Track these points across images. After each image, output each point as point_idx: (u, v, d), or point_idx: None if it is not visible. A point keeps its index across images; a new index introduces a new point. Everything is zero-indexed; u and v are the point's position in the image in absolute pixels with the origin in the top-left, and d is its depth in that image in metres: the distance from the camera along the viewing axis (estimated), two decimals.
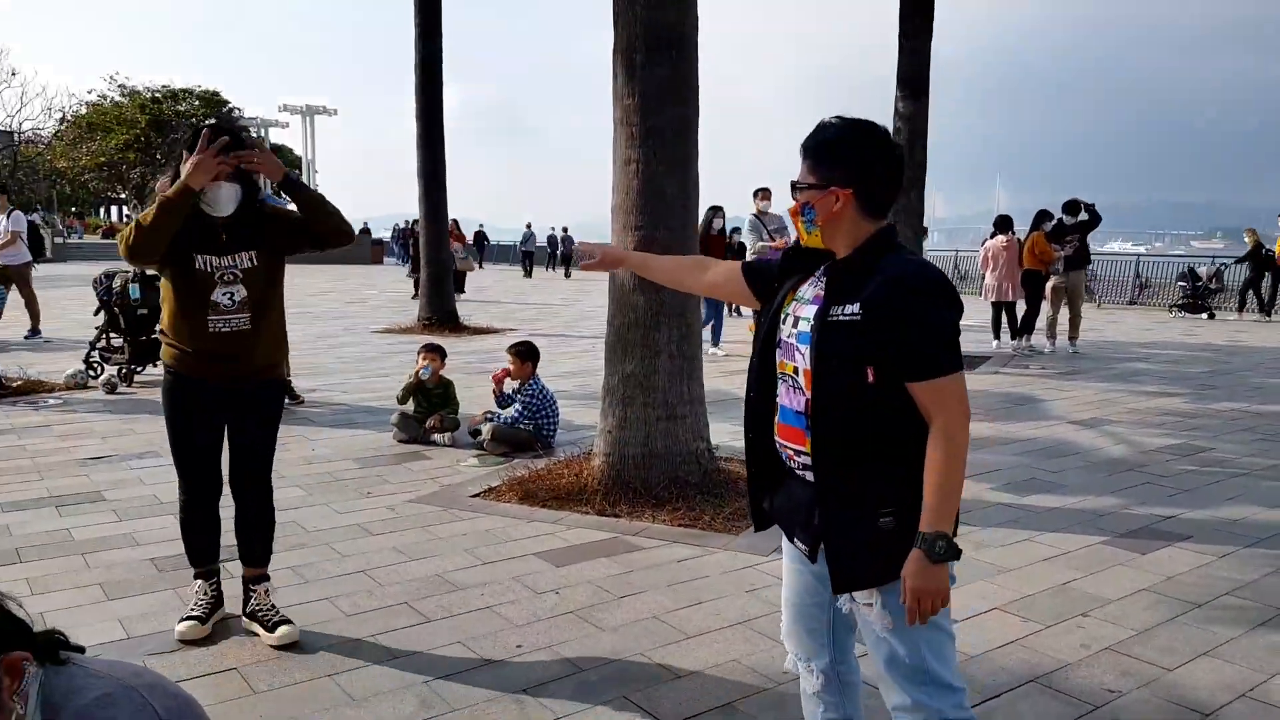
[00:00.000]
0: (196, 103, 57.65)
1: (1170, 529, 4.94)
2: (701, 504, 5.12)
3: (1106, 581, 4.19)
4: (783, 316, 2.15)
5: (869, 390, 1.94)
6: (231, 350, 3.38)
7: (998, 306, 12.60)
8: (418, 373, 6.83)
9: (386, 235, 43.18)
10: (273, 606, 3.58)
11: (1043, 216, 12.33)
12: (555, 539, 4.66)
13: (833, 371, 1.97)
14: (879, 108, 11.17)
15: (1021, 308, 12.51)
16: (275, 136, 62.01)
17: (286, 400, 7.96)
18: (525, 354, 6.71)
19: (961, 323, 2.02)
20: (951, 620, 2.06)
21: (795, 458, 2.10)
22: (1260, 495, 5.59)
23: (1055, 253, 12.03)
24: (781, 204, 11.32)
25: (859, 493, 1.99)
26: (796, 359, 2.07)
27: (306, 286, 21.33)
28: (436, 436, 6.66)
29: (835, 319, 1.97)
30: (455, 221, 21.04)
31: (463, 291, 20.37)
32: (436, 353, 6.97)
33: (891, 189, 2.06)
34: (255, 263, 3.42)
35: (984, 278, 12.88)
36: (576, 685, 3.19)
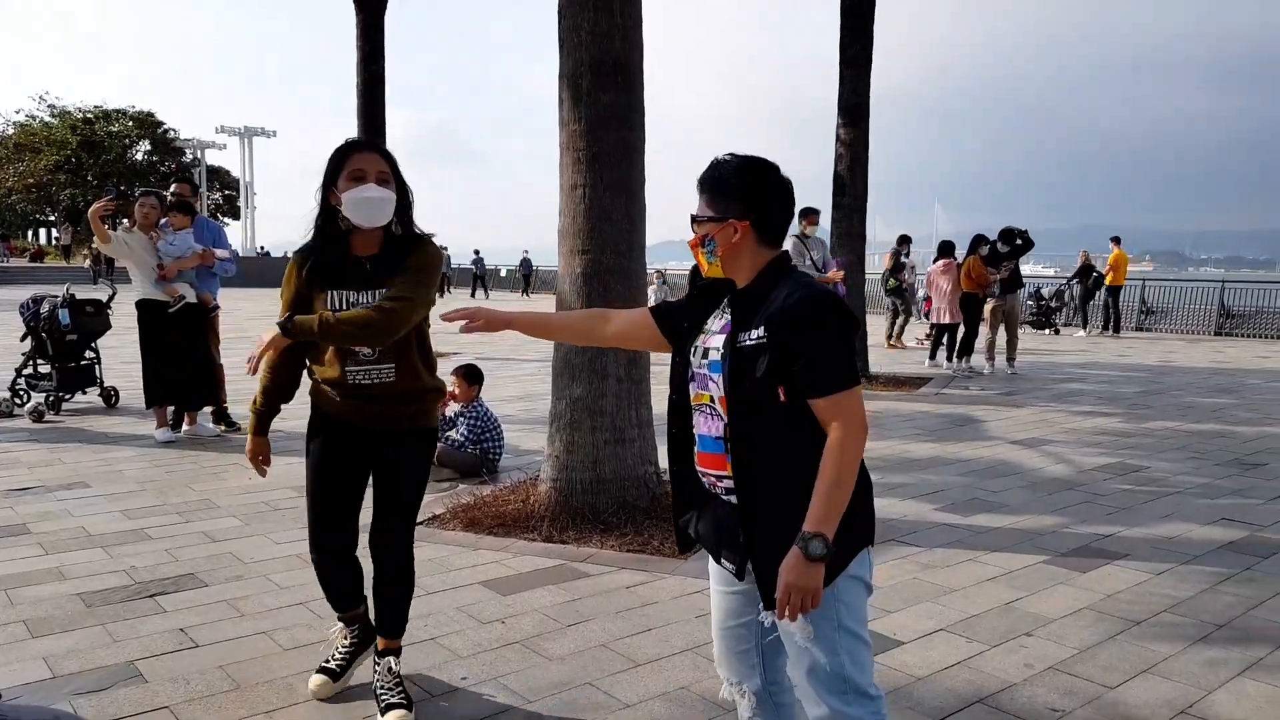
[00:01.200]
0: (130, 123, 56.66)
1: (1109, 547, 5.03)
2: (650, 529, 5.08)
3: (1048, 600, 4.24)
4: (692, 350, 2.24)
5: (782, 409, 2.04)
6: (374, 402, 3.03)
7: (940, 329, 12.92)
8: None
9: None
10: (392, 686, 3.13)
11: (979, 241, 12.60)
12: (501, 567, 4.59)
13: (747, 395, 2.07)
14: (825, 133, 11.29)
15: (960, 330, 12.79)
16: (213, 158, 61.09)
17: (222, 427, 7.82)
18: (470, 376, 6.64)
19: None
20: (869, 630, 2.16)
21: (718, 483, 2.19)
22: (1193, 512, 5.72)
23: (990, 276, 12.31)
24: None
25: (781, 510, 2.05)
26: (711, 388, 2.16)
27: (245, 310, 20.93)
28: None
29: (743, 345, 2.08)
30: None
31: None
32: None
33: (784, 219, 2.19)
34: None
35: (930, 300, 13.26)
36: (524, 718, 3.13)
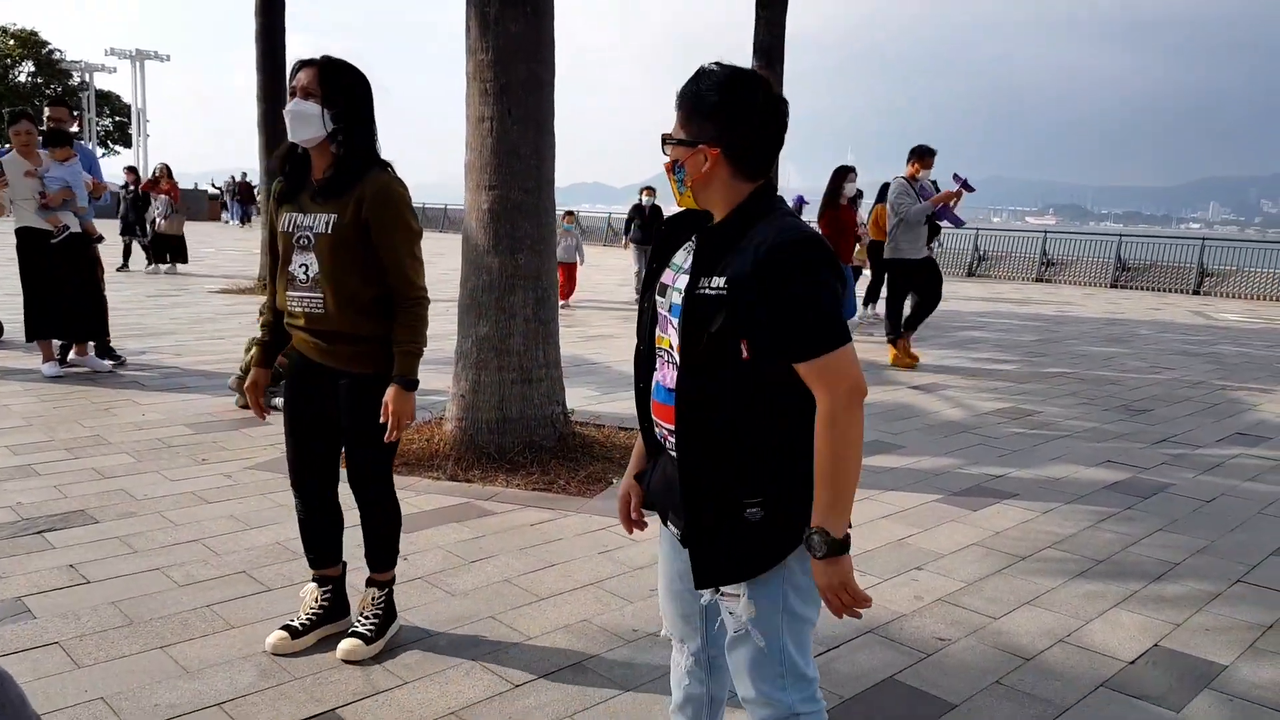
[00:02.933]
0: (11, 42, 53.32)
1: (999, 487, 5.22)
2: (556, 468, 5.09)
3: (940, 537, 4.40)
4: (658, 288, 1.99)
5: (742, 366, 1.80)
6: (315, 336, 2.94)
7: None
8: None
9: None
10: (369, 615, 3.11)
11: (887, 189, 12.75)
12: (405, 505, 4.49)
13: (701, 347, 1.82)
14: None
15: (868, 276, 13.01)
16: (102, 82, 58.00)
17: (109, 364, 7.50)
18: None
19: None
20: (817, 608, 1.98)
21: (669, 437, 1.94)
22: (1080, 455, 5.98)
23: None
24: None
25: (726, 479, 1.86)
26: (670, 333, 1.92)
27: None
28: (278, 401, 6.37)
29: (702, 292, 1.82)
30: (166, 167, 16.94)
31: (182, 260, 16.40)
32: None
33: (768, 148, 1.88)
34: (329, 230, 2.83)
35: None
36: (425, 650, 3.13)
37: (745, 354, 1.80)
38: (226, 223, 36.28)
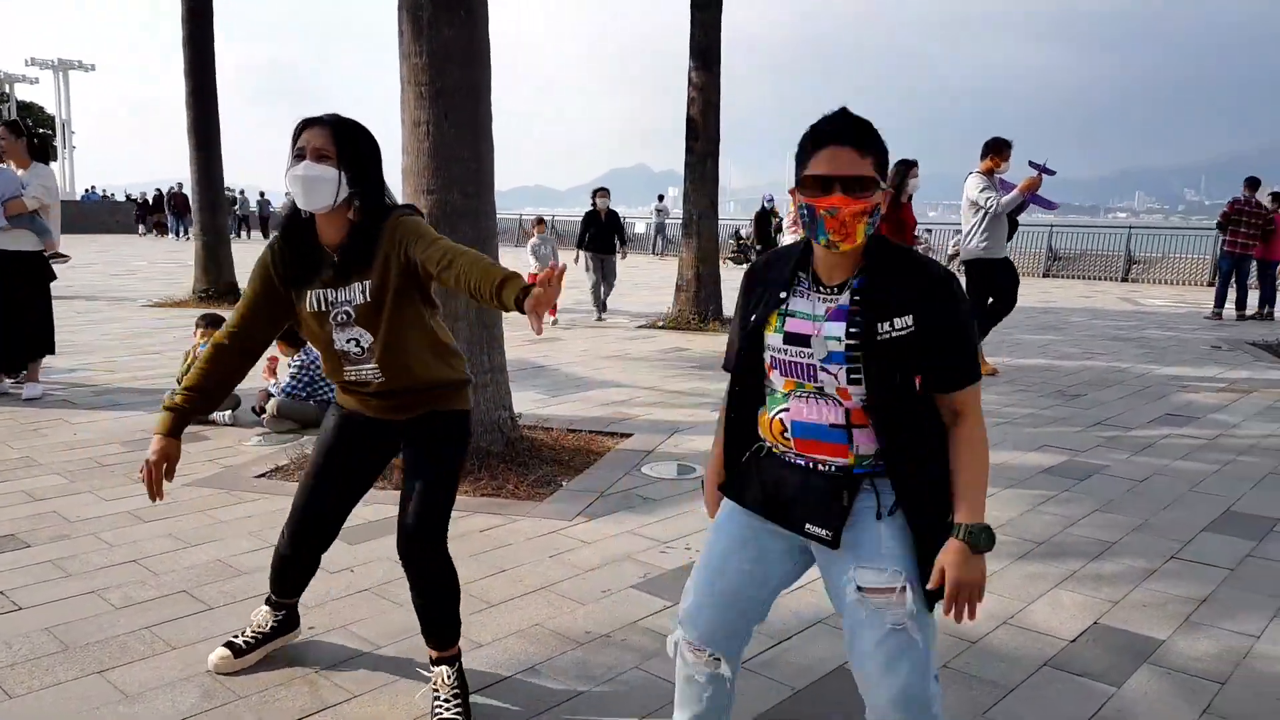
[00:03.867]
0: None
1: None
2: (505, 473, 5.06)
3: None
4: (792, 337, 1.96)
5: (920, 400, 1.91)
6: (378, 397, 2.79)
7: None
8: (195, 349, 6.38)
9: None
10: (449, 698, 2.77)
11: None
12: (350, 516, 4.47)
13: (890, 386, 1.87)
14: (678, 79, 11.23)
15: None
16: (23, 94, 56.47)
17: (7, 382, 7.14)
18: (214, 324, 6.47)
19: None
20: None
21: (822, 467, 1.97)
22: (1018, 440, 6.10)
23: None
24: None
25: (933, 496, 1.93)
26: (822, 378, 1.92)
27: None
28: (216, 415, 6.25)
29: (887, 336, 1.85)
30: None
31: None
32: (215, 326, 6.52)
33: None
34: (369, 297, 2.63)
35: None
36: (373, 662, 3.09)
37: (919, 388, 1.90)
38: (141, 235, 35.61)
